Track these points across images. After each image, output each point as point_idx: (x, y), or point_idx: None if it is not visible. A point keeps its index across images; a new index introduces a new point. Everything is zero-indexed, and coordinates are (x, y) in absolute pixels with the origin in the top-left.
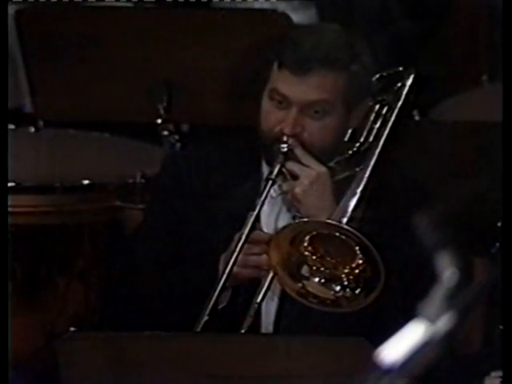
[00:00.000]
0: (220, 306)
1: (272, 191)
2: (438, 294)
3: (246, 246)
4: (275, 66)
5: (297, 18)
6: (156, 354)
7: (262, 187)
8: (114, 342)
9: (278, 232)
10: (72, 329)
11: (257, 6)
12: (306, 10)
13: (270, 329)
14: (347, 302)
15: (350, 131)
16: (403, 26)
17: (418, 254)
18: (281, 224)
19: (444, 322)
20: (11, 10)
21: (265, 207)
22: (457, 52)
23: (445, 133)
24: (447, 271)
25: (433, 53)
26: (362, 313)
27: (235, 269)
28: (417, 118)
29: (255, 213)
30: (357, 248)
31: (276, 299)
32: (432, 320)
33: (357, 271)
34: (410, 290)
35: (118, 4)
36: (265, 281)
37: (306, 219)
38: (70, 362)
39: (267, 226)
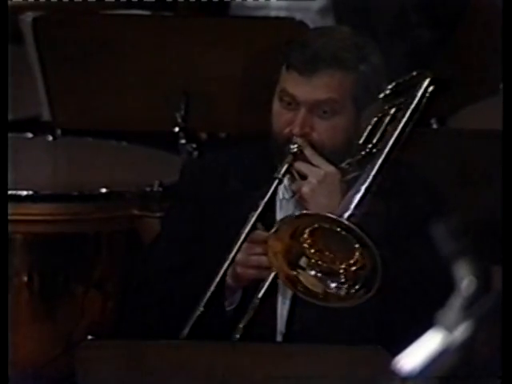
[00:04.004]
0: (230, 308)
1: (285, 194)
2: (455, 303)
3: (247, 245)
4: (284, 67)
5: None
6: (172, 362)
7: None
8: (130, 351)
9: (279, 225)
10: (89, 337)
11: (273, 14)
12: (324, 19)
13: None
14: (336, 299)
15: (366, 133)
16: (421, 34)
17: (435, 262)
18: None
19: (462, 331)
20: (28, 17)
21: (278, 210)
22: (474, 60)
23: (463, 141)
24: (465, 280)
25: (450, 61)
26: (377, 319)
27: (238, 269)
28: (435, 126)
29: (257, 212)
30: (356, 245)
31: (287, 302)
32: (450, 329)
33: (354, 268)
34: (428, 298)
35: (136, 12)
36: (267, 277)
37: (306, 212)
38: (87, 370)
39: None
